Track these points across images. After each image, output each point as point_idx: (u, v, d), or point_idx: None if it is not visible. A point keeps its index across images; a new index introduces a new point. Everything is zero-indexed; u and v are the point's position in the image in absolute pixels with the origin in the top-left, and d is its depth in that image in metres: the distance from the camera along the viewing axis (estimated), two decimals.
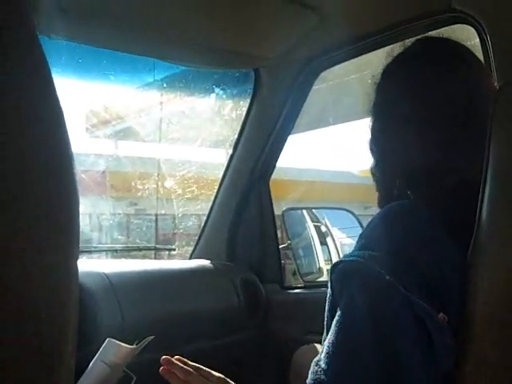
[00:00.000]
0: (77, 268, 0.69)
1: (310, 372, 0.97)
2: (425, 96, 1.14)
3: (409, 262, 0.96)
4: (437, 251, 0.99)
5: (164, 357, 1.25)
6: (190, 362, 1.27)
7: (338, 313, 0.97)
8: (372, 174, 1.22)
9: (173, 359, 1.25)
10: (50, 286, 0.65)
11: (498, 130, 0.97)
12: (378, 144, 1.21)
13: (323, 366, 0.94)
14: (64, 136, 0.68)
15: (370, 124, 1.21)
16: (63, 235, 0.66)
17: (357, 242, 1.04)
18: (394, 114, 1.17)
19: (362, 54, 1.88)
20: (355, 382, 0.93)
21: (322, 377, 0.94)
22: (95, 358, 1.35)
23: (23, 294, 0.63)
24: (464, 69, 1.15)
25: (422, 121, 1.13)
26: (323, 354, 0.96)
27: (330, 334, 0.97)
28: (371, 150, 1.22)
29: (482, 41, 1.49)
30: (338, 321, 0.96)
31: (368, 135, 1.23)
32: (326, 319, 1.07)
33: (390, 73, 1.21)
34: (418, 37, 1.29)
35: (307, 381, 0.97)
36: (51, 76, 0.68)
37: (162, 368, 1.24)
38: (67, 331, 0.68)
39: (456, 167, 1.10)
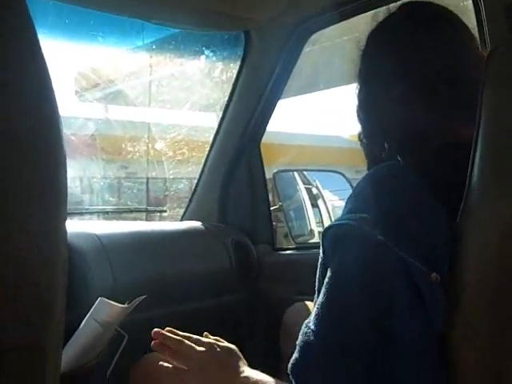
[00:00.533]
0: (65, 228, 0.69)
1: (300, 334, 0.98)
2: (407, 60, 1.14)
3: (399, 224, 0.96)
4: (425, 213, 0.99)
5: (155, 330, 1.25)
6: (179, 332, 1.27)
7: (329, 274, 0.97)
8: (359, 140, 1.23)
9: (163, 331, 1.26)
10: (37, 246, 0.65)
11: (489, 93, 0.97)
12: (364, 110, 1.21)
13: (312, 327, 0.95)
14: (51, 98, 0.68)
15: (357, 90, 1.21)
16: (50, 196, 0.66)
17: (345, 205, 1.04)
18: (378, 80, 1.17)
19: (352, 17, 1.87)
20: (345, 344, 0.93)
21: (311, 338, 0.94)
22: (87, 316, 1.37)
23: (10, 254, 0.63)
24: (449, 33, 1.14)
25: (405, 85, 1.13)
26: (313, 316, 0.96)
27: (320, 295, 0.98)
28: (358, 116, 1.22)
29: (476, 4, 1.49)
30: (328, 283, 0.97)
31: (355, 101, 1.23)
32: (317, 283, 1.07)
33: (374, 38, 1.21)
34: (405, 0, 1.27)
35: (297, 342, 0.98)
36: (37, 37, 0.68)
37: (154, 342, 1.24)
38: (56, 289, 0.68)
39: (440, 131, 1.10)
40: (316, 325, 0.95)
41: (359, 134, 1.22)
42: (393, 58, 1.15)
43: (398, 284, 0.93)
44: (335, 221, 1.02)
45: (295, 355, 0.97)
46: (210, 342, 1.24)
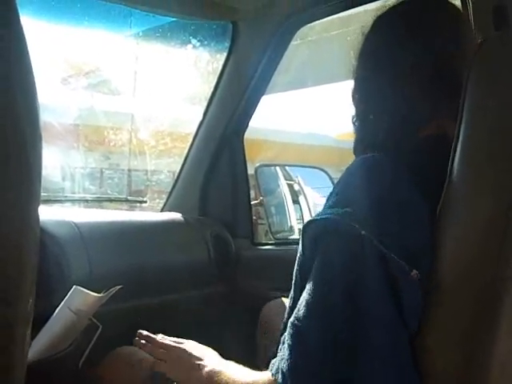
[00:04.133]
0: (37, 211, 0.68)
1: (287, 334, 0.96)
2: (403, 47, 1.13)
3: (382, 219, 0.95)
4: (409, 208, 0.98)
5: (139, 331, 1.28)
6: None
7: (313, 271, 0.97)
8: (352, 123, 1.21)
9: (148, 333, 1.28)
10: (6, 226, 0.65)
11: (473, 84, 0.97)
12: (358, 92, 1.20)
13: (303, 328, 0.94)
14: (28, 80, 0.67)
15: (354, 72, 1.20)
16: (22, 180, 0.65)
17: (327, 200, 1.02)
18: (374, 64, 1.17)
19: (342, 11, 1.86)
20: (338, 341, 0.93)
21: (305, 339, 0.94)
22: (61, 304, 1.35)
23: None
24: (449, 24, 1.14)
25: (395, 72, 1.12)
26: (300, 314, 0.95)
27: (305, 292, 0.96)
28: (353, 97, 1.21)
29: (463, 4, 1.48)
30: (313, 280, 0.96)
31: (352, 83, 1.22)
32: (294, 278, 1.06)
33: (377, 22, 1.21)
34: None
35: (286, 342, 0.96)
36: (20, 20, 0.66)
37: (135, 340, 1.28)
38: (24, 269, 0.68)
39: (427, 122, 1.10)
40: (308, 326, 0.94)
41: (352, 116, 1.21)
42: (389, 44, 1.15)
43: (378, 281, 0.93)
44: (316, 215, 1.00)
45: (286, 356, 0.96)
46: (189, 341, 1.26)
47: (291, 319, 0.97)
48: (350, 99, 1.23)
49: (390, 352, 0.92)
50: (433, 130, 1.09)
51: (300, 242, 1.02)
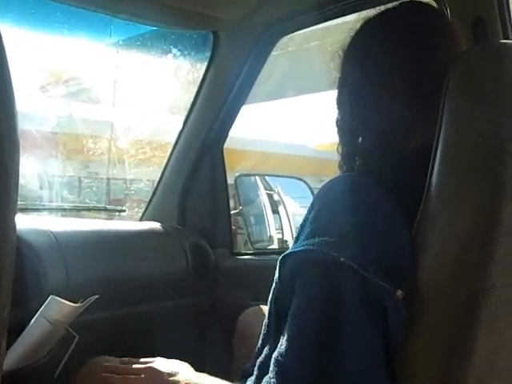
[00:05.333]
0: (14, 219, 0.68)
1: (271, 369, 0.95)
2: (386, 57, 1.13)
3: (361, 241, 0.94)
4: (388, 226, 0.97)
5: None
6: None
7: (294, 306, 0.95)
8: (337, 126, 1.21)
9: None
10: None
11: (451, 95, 0.97)
12: (341, 98, 1.20)
13: (286, 363, 0.93)
14: (6, 87, 0.67)
15: (340, 74, 1.19)
16: None
17: (302, 228, 1.00)
18: (357, 75, 1.16)
19: (323, 22, 1.87)
20: (311, 374, 0.92)
21: (289, 373, 0.92)
22: (37, 314, 1.33)
23: None
24: (437, 37, 1.14)
25: (379, 82, 1.12)
26: (283, 349, 0.93)
27: (287, 327, 0.95)
28: (337, 101, 1.20)
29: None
30: (293, 314, 0.95)
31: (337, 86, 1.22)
32: (268, 306, 1.05)
33: (360, 32, 1.20)
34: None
35: (270, 378, 0.94)
36: None
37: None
38: (1, 278, 0.67)
39: (412, 131, 1.10)
40: (290, 361, 0.92)
41: (337, 121, 1.20)
42: (372, 55, 1.14)
43: (358, 307, 0.91)
44: (293, 247, 0.98)
45: None
46: (156, 359, 1.26)
47: (274, 354, 0.95)
48: (334, 108, 1.22)
49: (368, 379, 0.92)
50: (417, 143, 1.09)
51: (277, 272, 1.00)
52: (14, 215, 0.68)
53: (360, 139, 1.15)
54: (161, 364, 1.23)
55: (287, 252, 0.98)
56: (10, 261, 0.69)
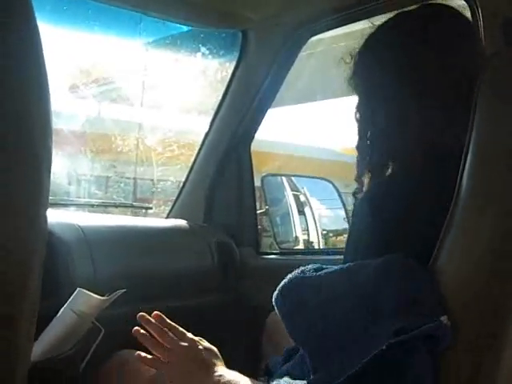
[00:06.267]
0: (45, 215, 0.69)
1: None
2: (413, 61, 1.13)
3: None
4: None
5: (141, 314, 1.23)
6: (166, 320, 1.25)
7: None
8: (369, 133, 1.21)
9: (149, 317, 1.23)
10: (16, 229, 0.66)
11: (483, 97, 0.97)
12: (364, 110, 1.20)
13: None
14: (44, 91, 0.68)
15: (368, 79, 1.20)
16: (32, 185, 0.67)
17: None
18: (382, 81, 1.17)
19: (353, 22, 1.86)
20: None
21: None
22: (65, 306, 1.35)
23: None
24: (461, 36, 1.14)
25: (402, 84, 1.12)
26: None
27: None
28: (360, 115, 1.21)
29: (473, 16, 1.49)
30: None
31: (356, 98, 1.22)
32: None
33: (383, 37, 1.20)
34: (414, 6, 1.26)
35: None
36: (37, 27, 0.68)
37: (135, 328, 1.22)
38: (31, 269, 0.69)
39: (443, 135, 1.10)
40: None
41: (365, 128, 1.21)
42: (398, 59, 1.14)
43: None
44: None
45: None
46: (193, 339, 1.22)
47: None
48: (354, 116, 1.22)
49: None
50: (448, 147, 1.08)
51: None
52: (46, 210, 0.70)
53: (391, 143, 1.15)
54: (198, 351, 1.20)
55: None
56: (41, 253, 0.71)
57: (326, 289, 1.03)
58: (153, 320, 1.23)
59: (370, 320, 0.95)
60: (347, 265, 1.04)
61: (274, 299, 1.07)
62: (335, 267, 1.05)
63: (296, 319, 1.06)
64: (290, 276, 1.08)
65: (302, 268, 1.08)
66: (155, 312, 1.25)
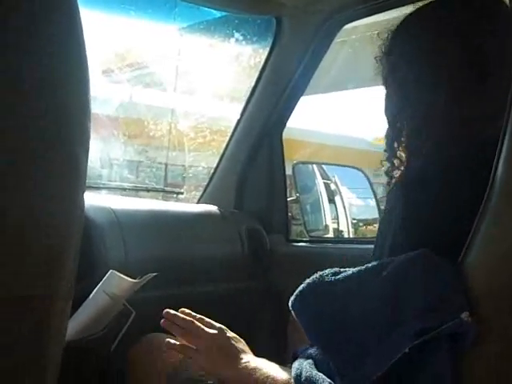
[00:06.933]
0: (83, 198, 0.71)
1: None
2: (440, 49, 1.12)
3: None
4: None
5: (166, 310, 1.26)
6: (191, 313, 1.27)
7: None
8: (405, 123, 1.20)
9: (174, 312, 1.25)
10: (55, 209, 0.68)
11: None
12: (394, 104, 1.19)
13: None
14: (84, 74, 0.69)
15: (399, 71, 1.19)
16: (70, 168, 0.68)
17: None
18: (411, 72, 1.15)
19: (388, 10, 1.84)
20: None
21: None
22: (97, 287, 1.37)
23: (28, 212, 0.66)
24: (489, 20, 1.12)
25: (437, 75, 1.11)
26: None
27: None
28: (390, 108, 1.20)
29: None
30: None
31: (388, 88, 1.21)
32: None
33: (408, 26, 1.19)
34: None
35: None
36: (79, 13, 0.69)
37: (163, 321, 1.24)
38: (68, 250, 0.70)
39: (474, 131, 1.09)
40: None
41: (400, 119, 1.20)
42: (424, 48, 1.13)
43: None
44: None
45: None
46: (221, 327, 1.25)
47: None
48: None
49: None
50: (485, 134, 1.07)
51: None
52: (83, 194, 0.71)
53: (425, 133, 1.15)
54: (225, 338, 1.23)
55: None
56: (77, 234, 0.72)
57: (345, 294, 1.02)
58: (178, 314, 1.25)
59: (394, 322, 0.94)
60: (365, 267, 1.03)
61: (290, 304, 1.05)
62: (353, 270, 1.04)
63: (316, 327, 1.04)
64: (307, 281, 1.06)
65: (320, 273, 1.06)
66: (181, 309, 1.27)
